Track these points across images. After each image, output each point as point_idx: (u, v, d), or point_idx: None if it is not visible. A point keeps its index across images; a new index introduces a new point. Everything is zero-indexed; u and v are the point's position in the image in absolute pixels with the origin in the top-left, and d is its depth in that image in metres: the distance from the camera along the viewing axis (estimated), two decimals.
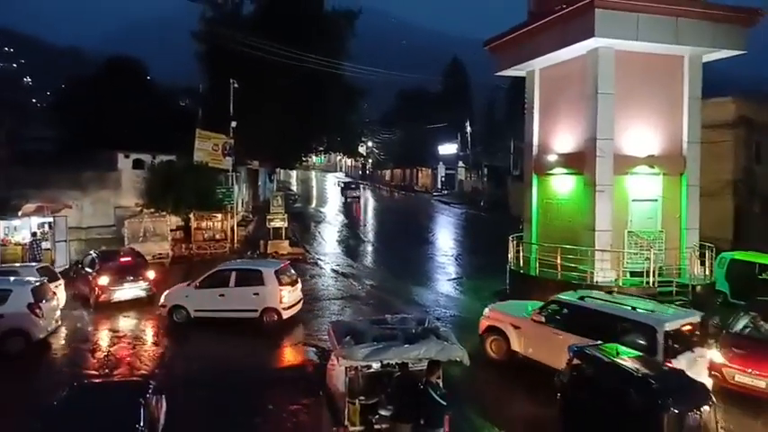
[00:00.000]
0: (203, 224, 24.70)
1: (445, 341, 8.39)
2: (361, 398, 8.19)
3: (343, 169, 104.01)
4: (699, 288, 15.54)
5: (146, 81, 38.79)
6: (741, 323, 11.51)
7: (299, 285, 15.51)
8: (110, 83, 32.80)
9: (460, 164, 60.75)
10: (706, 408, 7.27)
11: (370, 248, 28.98)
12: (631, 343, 9.68)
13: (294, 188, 67.23)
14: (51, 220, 20.99)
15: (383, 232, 35.62)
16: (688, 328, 10.33)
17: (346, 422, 7.94)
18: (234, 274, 14.85)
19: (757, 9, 16.58)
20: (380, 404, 8.07)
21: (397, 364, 8.13)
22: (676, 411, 7.03)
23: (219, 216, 25.23)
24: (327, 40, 36.21)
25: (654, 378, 7.53)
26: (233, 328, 14.20)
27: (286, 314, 14.44)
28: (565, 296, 12.09)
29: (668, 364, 9.08)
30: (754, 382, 9.96)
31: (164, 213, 23.81)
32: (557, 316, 11.55)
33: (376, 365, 8.28)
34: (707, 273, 16.45)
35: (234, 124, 26.60)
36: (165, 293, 15.28)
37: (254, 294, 14.39)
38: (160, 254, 22.66)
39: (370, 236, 33.61)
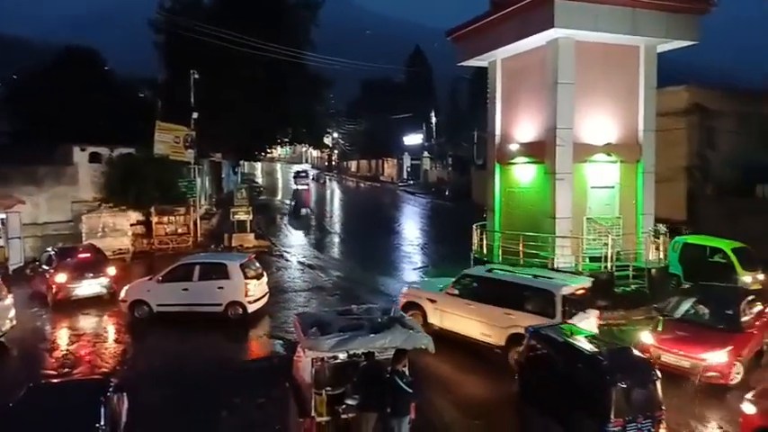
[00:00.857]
0: (165, 218, 24.16)
1: (410, 330, 8.49)
2: (328, 388, 8.23)
3: (310, 160, 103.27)
4: (654, 271, 16.17)
5: (103, 71, 37.51)
6: (681, 307, 11.90)
7: (265, 278, 15.39)
8: (64, 73, 31.56)
9: (425, 154, 61.07)
10: (651, 383, 7.69)
11: (336, 240, 28.95)
12: (534, 307, 11.11)
13: (259, 180, 66.34)
14: (4, 216, 20.18)
15: (350, 223, 35.60)
16: (581, 292, 11.56)
17: (313, 413, 7.96)
18: (197, 267, 14.62)
19: None
20: (347, 394, 8.12)
21: (363, 353, 8.19)
22: (623, 386, 7.44)
23: (182, 210, 24.71)
24: (290, 30, 35.69)
25: (603, 356, 7.98)
26: (197, 323, 13.99)
27: (252, 308, 14.32)
28: (474, 270, 13.15)
29: (565, 322, 10.15)
30: (680, 363, 10.46)
31: (124, 208, 23.20)
32: (468, 288, 12.44)
33: (342, 356, 8.33)
34: (661, 256, 17.11)
35: (195, 116, 26.05)
36: (126, 288, 14.93)
37: (219, 288, 14.21)
38: (120, 249, 22.11)
39: (337, 227, 33.56)
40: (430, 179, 57.81)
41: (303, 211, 36.96)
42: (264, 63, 32.50)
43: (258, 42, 29.76)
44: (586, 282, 12.15)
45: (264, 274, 15.50)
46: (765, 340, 11.75)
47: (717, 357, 10.19)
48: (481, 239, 18.94)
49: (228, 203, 29.14)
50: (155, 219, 23.84)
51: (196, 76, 26.38)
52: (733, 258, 15.74)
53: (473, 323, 11.95)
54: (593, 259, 16.36)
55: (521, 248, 16.60)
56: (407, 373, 7.89)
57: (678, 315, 11.64)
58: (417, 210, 41.94)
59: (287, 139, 46.93)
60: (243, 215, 25.09)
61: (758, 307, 11.87)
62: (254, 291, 14.44)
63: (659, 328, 11.37)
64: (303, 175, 55.23)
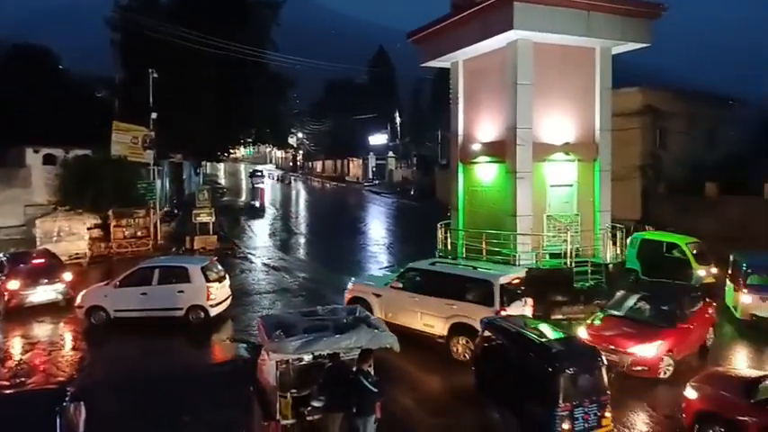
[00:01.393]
0: (123, 221, 23.49)
1: (376, 329, 8.52)
2: (293, 391, 8.16)
3: (274, 161, 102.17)
4: (611, 267, 16.70)
5: (57, 70, 36.13)
6: (624, 303, 12.26)
7: (227, 281, 15.16)
8: (14, 72, 30.27)
9: (390, 154, 61.32)
10: (596, 369, 8.06)
11: (302, 241, 28.76)
12: (474, 297, 11.72)
13: (222, 181, 65.26)
14: None
15: (315, 224, 35.42)
16: (516, 281, 12.31)
17: (278, 416, 7.91)
18: (157, 271, 14.29)
19: (659, 3, 17.81)
20: (312, 396, 8.09)
21: (328, 354, 8.17)
22: (570, 373, 7.80)
23: (141, 212, 24.09)
24: (251, 29, 35.27)
25: (551, 344, 8.38)
26: (157, 329, 13.67)
27: (214, 311, 14.09)
28: (418, 264, 13.51)
29: (503, 311, 10.95)
30: (609, 356, 10.55)
31: (80, 211, 22.46)
32: (412, 282, 12.83)
33: (307, 357, 8.26)
34: (618, 252, 17.67)
35: (154, 116, 25.42)
36: (82, 294, 14.47)
37: (179, 292, 13.93)
38: (77, 254, 21.38)
39: (302, 228, 33.35)
40: (395, 179, 58.07)
41: (258, 205, 38.34)
42: (225, 62, 32.01)
43: (218, 41, 29.31)
44: (521, 272, 12.92)
45: (227, 276, 15.27)
46: (709, 336, 12.21)
47: (644, 352, 10.48)
48: (446, 238, 19.17)
49: (190, 205, 28.58)
50: (113, 222, 23.16)
51: (155, 75, 25.75)
52: (688, 253, 16.29)
53: (416, 315, 12.33)
54: (553, 256, 16.77)
55: (484, 246, 16.87)
56: (373, 372, 7.92)
57: (618, 311, 12.00)
58: (383, 209, 42.06)
59: (250, 140, 46.41)
60: (205, 217, 24.66)
61: (700, 304, 12.27)
62: (217, 294, 14.21)
63: (596, 322, 11.73)
64: (259, 174, 57.28)
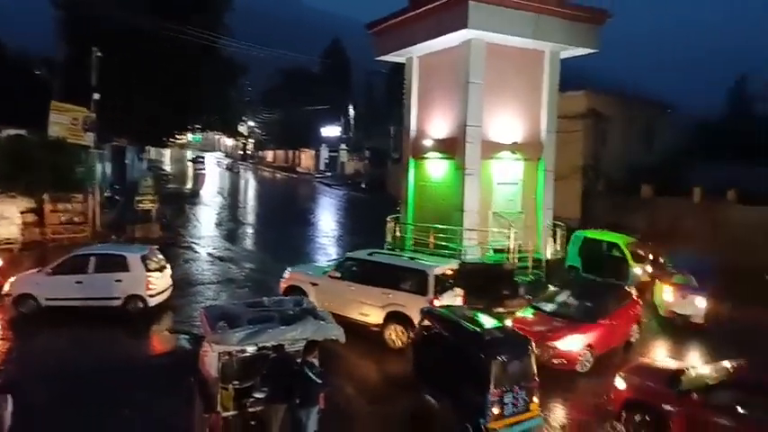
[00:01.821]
0: (60, 206, 22.31)
1: (322, 320, 8.54)
2: (235, 382, 8.08)
3: (223, 149, 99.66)
4: (551, 262, 17.35)
5: None
6: (553, 299, 12.74)
7: (169, 270, 14.72)
8: None
9: (343, 146, 61.04)
10: (526, 357, 8.49)
11: (249, 231, 28.27)
12: (410, 286, 12.14)
13: (167, 168, 63.07)
14: None
15: (264, 214, 34.87)
16: (449, 272, 12.74)
17: (218, 408, 7.81)
18: (93, 259, 13.67)
19: (605, 11, 18.53)
20: (255, 387, 8.04)
21: (272, 346, 8.12)
22: (502, 360, 8.18)
23: (79, 197, 22.96)
24: (202, 12, 34.11)
25: (486, 333, 8.75)
26: (93, 319, 13.10)
27: (153, 301, 13.65)
28: (356, 253, 13.82)
29: (436, 300, 11.44)
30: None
31: (12, 194, 21.16)
32: (350, 271, 13.07)
33: (251, 349, 8.19)
34: (558, 248, 18.37)
35: (96, 97, 24.22)
36: (10, 281, 13.68)
37: (117, 281, 13.39)
38: (8, 239, 20.18)
39: (250, 218, 32.77)
40: (347, 171, 57.88)
41: (198, 191, 38.34)
42: (175, 45, 30.86)
43: (167, 23, 28.22)
44: (454, 263, 13.42)
45: (168, 266, 14.82)
46: (633, 332, 12.79)
47: (563, 345, 10.90)
48: (395, 231, 19.34)
49: (133, 192, 27.51)
50: (48, 206, 21.96)
51: (98, 54, 24.53)
52: (626, 252, 16.98)
53: (353, 304, 12.51)
54: (497, 251, 17.26)
55: (431, 240, 17.14)
56: (317, 363, 7.93)
57: (545, 306, 12.50)
58: (333, 201, 41.89)
59: (198, 126, 45.06)
60: (148, 204, 23.86)
61: (626, 301, 12.82)
62: (157, 284, 13.77)
63: (524, 316, 12.20)
64: (200, 160, 57.66)
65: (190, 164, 65.53)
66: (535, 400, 8.47)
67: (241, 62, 40.32)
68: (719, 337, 13.44)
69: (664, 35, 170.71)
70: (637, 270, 16.72)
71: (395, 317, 12.08)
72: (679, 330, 13.94)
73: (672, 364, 10.15)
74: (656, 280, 15.57)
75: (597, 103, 27.54)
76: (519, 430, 8.32)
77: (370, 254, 13.74)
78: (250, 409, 8.03)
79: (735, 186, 21.85)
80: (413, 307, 11.75)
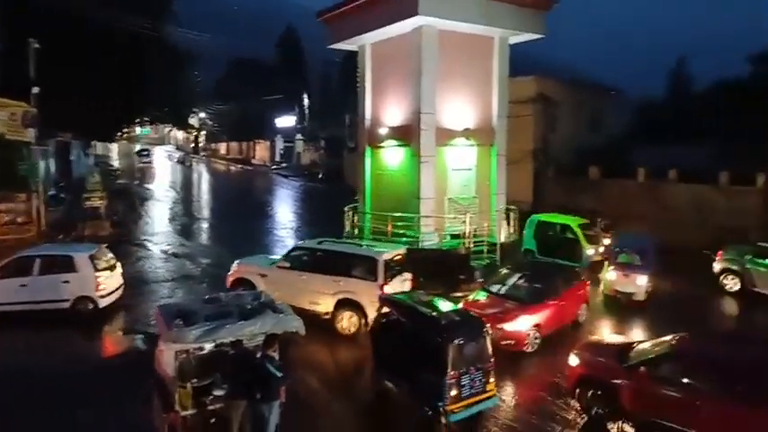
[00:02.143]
0: (2, 206, 21.22)
1: (281, 313, 8.50)
2: (194, 380, 7.97)
3: (174, 142, 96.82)
4: (505, 246, 17.75)
5: None
6: (504, 282, 12.97)
7: (119, 269, 14.28)
8: None
9: (299, 136, 60.32)
10: (482, 339, 8.72)
11: (205, 225, 27.67)
12: (360, 273, 12.29)
13: (116, 163, 60.78)
14: None
15: (219, 208, 34.19)
16: (398, 258, 13.00)
17: (177, 407, 7.69)
18: (38, 260, 13.06)
19: None
20: (215, 384, 7.96)
21: (231, 342, 8.04)
22: (458, 342, 8.37)
23: (23, 196, 21.88)
24: (149, 1, 32.87)
25: (442, 317, 8.93)
26: (40, 323, 12.56)
27: (104, 302, 13.22)
28: (306, 243, 13.98)
29: (386, 285, 11.70)
30: None
31: None
32: (300, 260, 13.11)
33: (209, 346, 8.09)
34: (511, 232, 18.80)
35: (36, 90, 23.04)
36: None
37: (64, 282, 12.88)
38: None
39: (205, 212, 32.06)
40: (303, 162, 57.32)
41: (145, 185, 38.11)
42: (120, 35, 29.63)
43: (108, 10, 27.03)
44: (402, 249, 13.67)
45: (119, 265, 14.37)
46: (581, 311, 13.15)
47: (511, 326, 11.14)
48: (353, 221, 19.34)
49: (79, 189, 26.43)
50: None
51: (36, 45, 23.29)
52: (579, 234, 17.53)
53: (303, 293, 12.51)
54: (453, 236, 17.53)
55: (389, 228, 17.24)
56: (278, 357, 7.90)
57: (495, 288, 12.78)
58: (290, 193, 41.45)
59: (146, 119, 43.60)
60: (96, 201, 23.10)
61: (574, 282, 13.21)
62: (107, 283, 13.34)
63: (476, 298, 12.45)
64: (145, 153, 57.37)
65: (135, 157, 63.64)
66: (491, 380, 8.70)
67: (190, 51, 39.18)
68: (661, 312, 14.08)
69: (610, 20, 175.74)
70: (589, 251, 17.31)
71: (345, 304, 12.23)
72: (623, 308, 14.46)
73: (621, 339, 10.57)
74: (606, 261, 16.15)
75: (546, 87, 28.19)
76: (476, 410, 8.55)
77: (319, 242, 13.81)
78: (210, 407, 7.95)
79: (676, 166, 22.84)
80: (363, 293, 11.98)
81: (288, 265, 13.11)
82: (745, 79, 29.76)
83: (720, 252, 16.77)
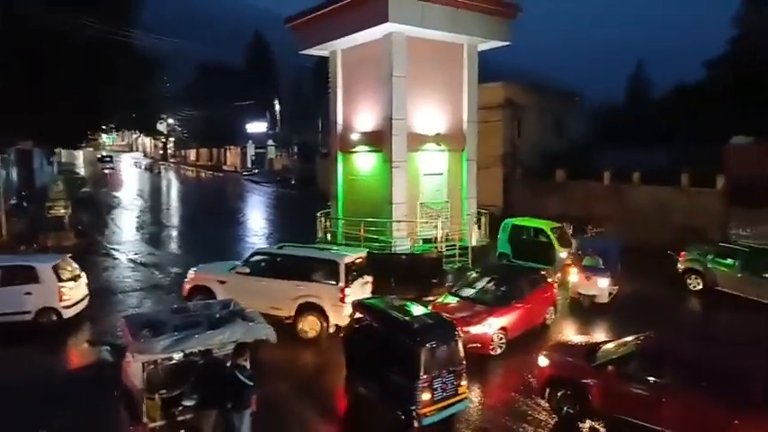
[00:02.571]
0: None
1: (251, 322, 8.43)
2: (162, 391, 7.84)
3: (142, 149, 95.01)
4: (477, 249, 17.93)
5: None
6: (472, 285, 13.09)
7: (84, 279, 13.90)
8: None
9: (270, 142, 59.90)
10: (453, 342, 8.81)
11: (174, 233, 27.17)
12: (321, 277, 12.44)
13: (81, 171, 59.25)
14: None
15: (189, 215, 33.62)
16: (359, 261, 13.12)
17: (145, 419, 7.54)
18: None
19: (516, 5, 19.30)
20: (184, 395, 7.82)
21: (200, 351, 7.93)
22: (431, 346, 8.45)
23: None
24: (113, 5, 32.19)
25: (414, 321, 9.00)
26: (1, 335, 12.12)
27: (68, 313, 12.86)
28: (266, 248, 13.93)
29: (348, 287, 11.92)
30: None
31: None
32: (260, 266, 13.09)
33: (177, 356, 7.96)
34: (483, 235, 19.01)
35: None
36: None
37: (27, 294, 12.49)
38: None
39: (174, 220, 31.49)
40: (275, 168, 56.92)
41: (110, 192, 37.86)
42: (84, 39, 28.92)
43: (71, 14, 26.37)
44: (363, 252, 13.80)
45: (83, 275, 13.99)
46: (548, 314, 13.36)
47: (477, 329, 11.23)
48: (325, 226, 19.28)
49: (43, 198, 25.66)
50: None
51: None
52: (552, 237, 17.66)
53: (264, 299, 12.35)
54: (426, 241, 17.65)
55: (362, 233, 17.25)
56: (248, 365, 7.82)
57: (463, 292, 12.89)
58: (262, 199, 41.09)
59: (112, 125, 42.66)
60: (60, 210, 22.44)
61: (541, 285, 13.37)
62: (71, 294, 12.97)
63: (444, 302, 12.54)
64: (108, 159, 57.59)
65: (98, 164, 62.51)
66: (463, 383, 8.77)
67: (157, 57, 38.53)
68: (626, 313, 14.37)
69: (576, 28, 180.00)
70: (562, 254, 17.32)
71: (307, 308, 12.28)
72: (590, 310, 14.68)
73: (589, 340, 10.75)
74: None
75: (513, 93, 28.72)
76: (449, 413, 8.61)
77: (279, 247, 13.83)
78: (179, 418, 7.83)
79: (638, 168, 23.45)
80: (325, 297, 12.08)
81: (248, 270, 13.00)
82: (702, 83, 30.84)
83: (683, 252, 17.28)
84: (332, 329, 12.28)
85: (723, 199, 20.89)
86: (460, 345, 8.90)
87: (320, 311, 12.19)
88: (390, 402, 8.76)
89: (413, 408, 8.25)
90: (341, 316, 12.16)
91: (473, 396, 9.82)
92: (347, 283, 12.19)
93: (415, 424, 8.32)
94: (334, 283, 12.20)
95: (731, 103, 25.55)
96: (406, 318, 9.12)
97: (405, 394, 8.35)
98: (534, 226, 18.66)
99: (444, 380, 8.47)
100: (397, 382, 8.54)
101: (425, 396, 8.25)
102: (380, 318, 9.43)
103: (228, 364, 7.64)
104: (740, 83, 26.30)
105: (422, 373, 8.23)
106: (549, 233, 17.87)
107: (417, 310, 9.70)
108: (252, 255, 13.63)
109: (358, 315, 10.06)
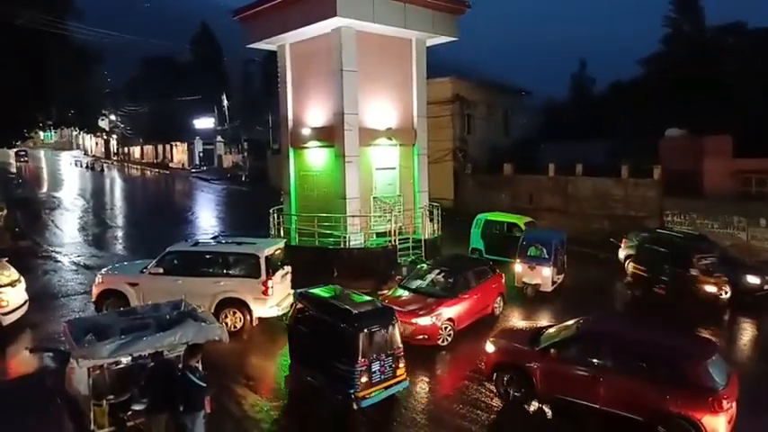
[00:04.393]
0: None
1: (203, 322, 8.30)
2: (110, 397, 7.62)
3: (83, 146, 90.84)
4: (429, 242, 18.16)
5: None
6: (422, 277, 13.21)
7: (23, 284, 13.22)
8: None
9: (219, 138, 58.54)
10: (390, 327, 9.15)
11: (119, 234, 26.19)
12: (241, 271, 12.37)
13: (15, 170, 56.15)
14: None
15: (135, 215, 32.50)
16: (279, 252, 13.17)
17: (92, 426, 7.30)
18: None
19: (464, 1, 19.59)
20: (134, 399, 7.63)
21: (149, 354, 7.74)
22: (369, 331, 8.78)
23: None
24: None
25: (352, 308, 9.29)
26: None
27: (7, 320, 12.21)
28: (179, 246, 13.59)
29: (269, 279, 12.14)
30: None
31: None
32: (174, 265, 12.79)
33: (126, 360, 7.74)
34: (435, 228, 19.28)
35: None
36: None
37: None
38: None
39: (119, 220, 30.34)
40: (225, 164, 55.75)
41: (55, 194, 36.91)
42: (13, 30, 27.29)
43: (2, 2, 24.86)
44: (281, 243, 13.85)
45: (22, 279, 13.32)
46: (497, 304, 13.63)
47: (422, 322, 11.40)
48: (278, 223, 19.09)
49: None
50: None
51: None
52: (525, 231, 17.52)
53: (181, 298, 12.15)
54: (379, 234, 17.77)
55: (316, 229, 17.18)
56: (200, 367, 7.69)
57: (411, 284, 13.05)
58: (212, 197, 40.15)
59: (50, 122, 40.54)
60: None
61: (488, 275, 13.59)
62: (9, 300, 12.33)
63: (394, 295, 12.69)
64: (23, 153, 59.33)
65: (12, 160, 60.88)
66: (401, 365, 9.16)
67: (95, 50, 36.80)
68: (571, 299, 15.05)
69: (522, 28, 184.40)
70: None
71: (227, 303, 12.25)
72: (537, 299, 15.12)
73: (533, 325, 11.13)
74: None
75: (462, 89, 29.21)
76: (387, 394, 9.02)
77: (194, 244, 13.61)
78: (129, 423, 7.65)
79: (580, 161, 24.39)
80: (247, 291, 12.10)
81: (161, 270, 12.60)
82: (637, 80, 32.29)
83: (624, 240, 18.11)
84: (255, 323, 12.41)
85: (659, 189, 22.01)
86: (398, 329, 9.26)
87: (243, 305, 12.22)
88: (332, 387, 9.06)
89: (351, 391, 8.60)
90: (264, 309, 12.29)
91: (422, 385, 10.12)
92: (268, 276, 12.22)
93: (354, 406, 8.65)
94: (256, 276, 12.18)
95: (666, 99, 26.88)
96: (345, 305, 9.40)
97: (344, 378, 8.70)
98: (507, 221, 18.68)
99: (382, 363, 8.87)
100: (337, 366, 8.86)
101: (363, 379, 8.64)
102: (320, 306, 9.72)
103: (180, 366, 7.49)
104: (673, 79, 27.69)
105: (360, 358, 8.59)
106: (523, 227, 17.92)
107: (357, 298, 9.99)
108: (165, 254, 12.93)
109: (299, 305, 10.25)
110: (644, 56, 32.58)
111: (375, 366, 8.75)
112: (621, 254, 17.89)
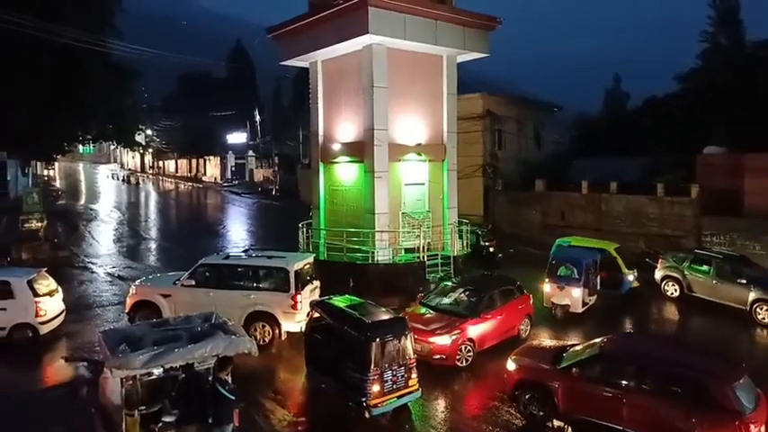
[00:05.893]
0: None
1: (233, 335, 8.32)
2: (142, 408, 7.66)
3: (119, 160, 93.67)
4: (459, 258, 18.00)
5: None
6: (445, 296, 12.94)
7: (61, 294, 13.58)
8: None
9: (251, 153, 59.55)
10: (403, 337, 9.21)
11: (153, 246, 26.77)
12: (271, 285, 12.53)
13: (57, 183, 58.17)
14: None
15: (168, 228, 33.21)
16: (308, 266, 13.33)
17: None
18: None
19: (495, 17, 19.58)
20: (164, 410, 7.67)
21: (181, 366, 7.79)
22: (381, 340, 8.90)
23: None
24: (88, 13, 31.80)
25: (366, 317, 9.43)
26: None
27: (45, 329, 12.56)
28: (211, 258, 13.74)
29: (299, 294, 12.24)
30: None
31: None
32: (206, 277, 12.93)
33: (157, 371, 7.80)
34: (464, 244, 19.09)
35: None
36: None
37: (1, 310, 12.18)
38: None
39: (153, 233, 31.03)
40: (256, 179, 56.58)
41: (93, 206, 37.60)
42: (59, 48, 28.46)
43: (41, 22, 25.91)
44: (310, 257, 13.98)
45: (60, 289, 13.68)
46: (523, 325, 13.12)
47: (440, 341, 11.09)
48: (308, 237, 19.20)
49: (17, 210, 25.08)
50: None
51: None
52: (618, 258, 16.53)
53: (211, 310, 11.98)
54: (408, 250, 17.68)
55: (344, 244, 17.21)
56: (230, 380, 7.71)
57: (432, 302, 12.76)
58: (243, 210, 40.75)
59: (90, 136, 42.02)
60: (35, 223, 21.87)
61: (514, 296, 13.14)
62: (47, 309, 12.66)
63: (413, 311, 12.42)
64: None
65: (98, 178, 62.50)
66: (414, 375, 9.20)
67: (134, 67, 38.10)
68: (604, 321, 14.57)
69: (555, 43, 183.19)
70: (630, 277, 16.54)
71: (257, 316, 12.32)
72: (565, 320, 14.55)
73: (557, 344, 10.79)
74: None
75: (492, 104, 29.06)
76: (399, 404, 9.08)
77: (226, 257, 13.76)
78: None
79: (614, 178, 23.85)
80: (276, 305, 12.20)
81: (193, 282, 12.79)
82: (673, 96, 31.60)
83: (660, 260, 17.57)
84: (284, 337, 12.46)
85: (697, 208, 21.34)
86: (411, 340, 9.31)
87: (272, 319, 12.28)
88: (344, 394, 9.19)
89: (363, 399, 8.71)
90: (293, 323, 12.30)
91: (440, 402, 10.11)
92: (297, 290, 12.30)
93: (366, 414, 8.75)
94: (285, 290, 12.29)
95: (703, 115, 26.19)
96: (359, 314, 9.52)
97: (356, 386, 8.83)
98: (595, 247, 16.77)
99: (395, 373, 8.96)
100: (350, 375, 9.00)
101: (375, 388, 8.75)
102: (335, 315, 9.87)
103: (210, 379, 7.53)
104: (712, 95, 26.97)
105: (372, 366, 8.70)
106: (614, 254, 16.59)
107: (373, 308, 10.07)
108: (198, 266, 13.14)
109: (316, 314, 10.37)
110: (681, 71, 31.93)
111: (387, 375, 8.89)
112: (658, 274, 17.34)
